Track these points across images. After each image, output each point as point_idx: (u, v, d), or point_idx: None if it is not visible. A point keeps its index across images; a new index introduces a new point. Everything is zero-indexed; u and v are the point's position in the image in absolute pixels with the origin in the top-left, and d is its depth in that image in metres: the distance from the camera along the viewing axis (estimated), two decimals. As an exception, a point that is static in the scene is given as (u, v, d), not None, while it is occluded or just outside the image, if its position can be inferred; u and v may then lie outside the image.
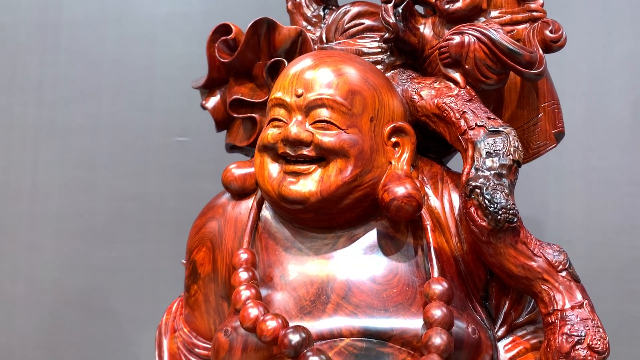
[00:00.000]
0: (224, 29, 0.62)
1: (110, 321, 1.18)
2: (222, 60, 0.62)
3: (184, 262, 0.68)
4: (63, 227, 1.34)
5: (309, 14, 0.63)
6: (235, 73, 0.64)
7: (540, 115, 0.55)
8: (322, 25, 0.61)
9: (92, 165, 1.34)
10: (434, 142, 0.56)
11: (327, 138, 0.48)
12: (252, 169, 0.54)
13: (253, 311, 0.45)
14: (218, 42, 0.61)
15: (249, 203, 0.54)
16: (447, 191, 0.52)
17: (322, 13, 0.63)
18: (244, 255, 0.50)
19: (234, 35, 0.60)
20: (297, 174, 0.48)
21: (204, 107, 0.67)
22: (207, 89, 0.67)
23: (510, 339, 0.50)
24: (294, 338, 0.42)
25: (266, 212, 0.53)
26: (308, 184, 0.48)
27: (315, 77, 0.48)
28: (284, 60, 0.59)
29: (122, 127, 1.36)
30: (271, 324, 0.44)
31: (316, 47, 0.59)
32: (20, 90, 1.27)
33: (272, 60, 0.60)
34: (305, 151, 0.48)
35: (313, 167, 0.48)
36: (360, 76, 0.49)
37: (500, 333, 0.50)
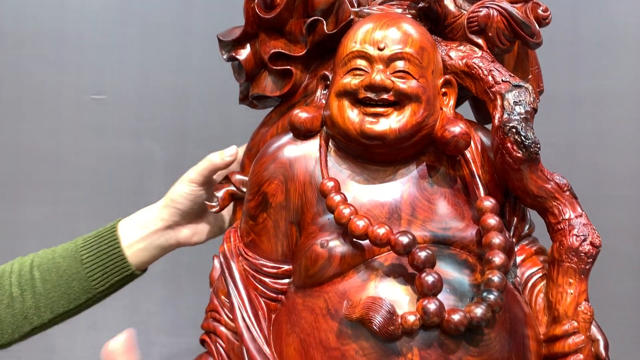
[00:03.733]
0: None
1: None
2: (262, 16, 0.69)
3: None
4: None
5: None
6: (267, 29, 0.72)
7: (529, 77, 0.71)
8: None
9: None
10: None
11: (405, 85, 0.59)
12: (315, 113, 0.63)
13: (361, 222, 0.55)
14: (256, -1, 0.68)
15: (313, 142, 0.63)
16: (471, 133, 0.65)
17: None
18: (330, 183, 0.59)
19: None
20: (377, 115, 0.59)
21: (233, 59, 0.73)
22: (239, 42, 0.73)
23: (518, 246, 0.66)
24: (404, 239, 0.53)
25: (331, 150, 0.63)
26: (387, 123, 0.58)
27: (394, 34, 0.59)
28: (323, 19, 0.68)
29: (28, 81, 1.30)
30: (381, 230, 0.54)
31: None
32: None
33: (312, 18, 0.69)
34: (385, 96, 0.58)
35: (390, 109, 0.59)
36: (425, 36, 0.61)
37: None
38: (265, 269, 0.63)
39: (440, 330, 0.52)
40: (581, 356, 0.59)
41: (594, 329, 0.61)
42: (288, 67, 0.71)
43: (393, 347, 0.52)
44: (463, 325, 0.51)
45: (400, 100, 0.59)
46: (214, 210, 0.75)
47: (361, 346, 0.53)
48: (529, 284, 0.64)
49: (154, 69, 1.27)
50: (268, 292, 0.62)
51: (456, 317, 0.51)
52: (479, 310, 0.52)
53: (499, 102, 0.63)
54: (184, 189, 0.76)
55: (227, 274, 0.63)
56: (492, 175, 0.64)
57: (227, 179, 0.75)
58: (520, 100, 0.62)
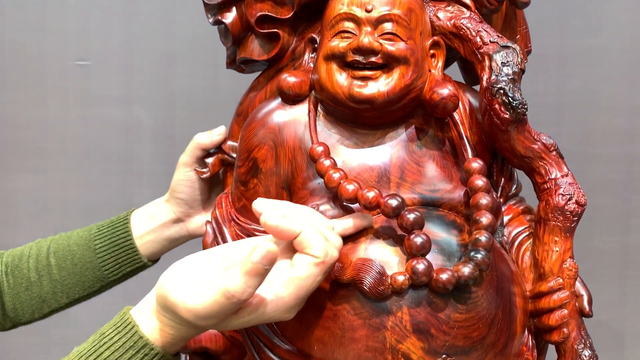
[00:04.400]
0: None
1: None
2: (248, -22, 0.68)
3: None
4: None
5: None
6: (253, -9, 0.71)
7: (517, 37, 0.71)
8: None
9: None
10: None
11: (393, 47, 0.58)
12: (304, 77, 0.63)
13: (350, 186, 0.56)
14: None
15: (302, 107, 0.63)
16: (460, 95, 0.66)
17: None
18: (319, 148, 0.59)
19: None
20: (365, 79, 0.59)
21: (219, 22, 0.72)
22: (224, 5, 0.72)
23: (505, 206, 0.67)
24: (393, 202, 0.54)
25: (320, 115, 0.63)
26: (376, 86, 0.59)
27: None
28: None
29: (12, 48, 1.29)
30: (371, 194, 0.55)
31: None
32: None
33: (300, -20, 0.68)
34: (374, 58, 0.58)
35: (379, 72, 0.59)
36: None
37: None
38: (257, 233, 0.64)
39: (429, 289, 0.53)
40: (565, 311, 0.61)
41: (578, 285, 0.63)
42: (275, 30, 0.71)
43: (383, 306, 0.53)
44: (451, 284, 0.53)
45: (388, 63, 0.59)
46: (204, 176, 0.75)
47: (353, 306, 0.54)
48: (516, 243, 0.65)
49: (140, 33, 1.25)
50: (260, 256, 0.63)
51: (444, 276, 0.53)
52: (466, 270, 0.53)
53: (486, 63, 0.63)
54: (180, 176, 0.76)
55: (220, 239, 0.63)
56: (480, 136, 0.65)
57: (218, 147, 0.75)
58: (508, 61, 0.62)
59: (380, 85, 0.58)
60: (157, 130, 1.30)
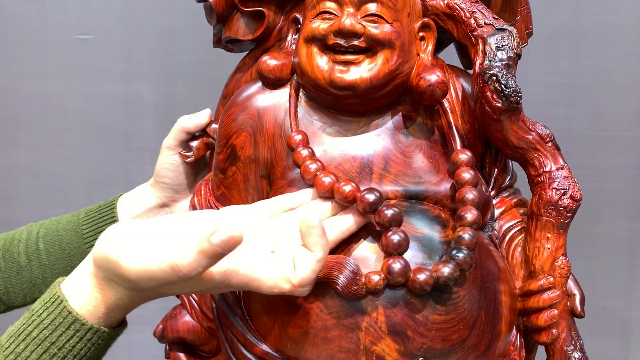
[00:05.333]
0: None
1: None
2: (231, -46, 0.65)
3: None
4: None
5: None
6: (237, -32, 0.67)
7: (517, 17, 0.67)
8: None
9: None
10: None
11: (377, 30, 0.55)
12: (286, 60, 0.60)
13: (327, 179, 0.53)
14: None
15: (284, 91, 0.60)
16: (452, 81, 0.62)
17: None
18: (298, 137, 0.56)
19: None
20: (347, 63, 0.55)
21: (203, 0, 0.69)
22: (209, -17, 0.69)
23: (498, 199, 0.63)
24: (371, 197, 0.51)
25: (302, 100, 0.60)
26: (358, 71, 0.55)
27: None
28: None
29: (15, 22, 1.27)
30: (347, 187, 0.52)
31: None
32: None
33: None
34: (356, 42, 0.55)
35: (362, 57, 0.55)
36: None
37: (491, 194, 0.63)
38: (235, 223, 0.61)
39: (407, 289, 0.51)
40: (555, 311, 0.58)
41: (571, 284, 0.60)
42: (260, 8, 0.67)
43: (358, 305, 0.51)
44: (428, 285, 0.50)
45: (372, 47, 0.56)
46: (188, 160, 0.73)
47: (326, 304, 0.51)
48: (507, 238, 0.62)
49: (141, 7, 1.23)
50: (239, 246, 0.61)
51: (421, 276, 0.50)
52: (446, 270, 0.50)
53: (480, 47, 0.59)
54: (164, 160, 0.74)
55: (196, 229, 0.61)
56: (473, 125, 0.61)
57: (203, 131, 0.73)
58: (503, 45, 0.58)
59: (362, 71, 0.55)
60: (159, 106, 1.28)
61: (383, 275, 0.50)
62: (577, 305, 0.59)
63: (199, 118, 0.72)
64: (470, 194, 0.54)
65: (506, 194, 0.64)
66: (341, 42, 0.55)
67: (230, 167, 0.61)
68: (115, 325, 0.49)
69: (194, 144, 0.73)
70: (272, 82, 0.60)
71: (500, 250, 0.62)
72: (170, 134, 0.74)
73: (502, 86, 0.56)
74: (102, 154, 1.29)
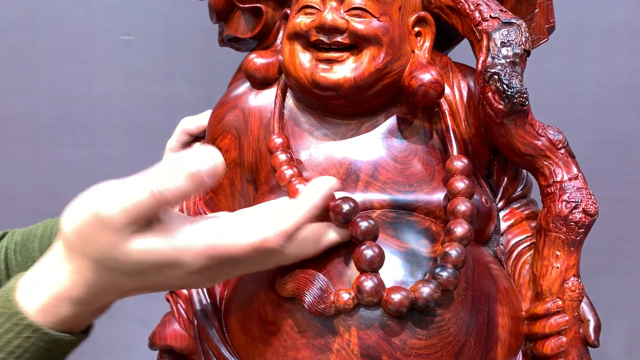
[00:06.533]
0: None
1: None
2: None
3: None
4: (5, 132, 1.29)
5: None
6: (235, -38, 0.64)
7: (536, 10, 0.60)
8: None
9: (32, 65, 1.28)
10: (439, 35, 0.60)
11: (362, 25, 0.50)
12: (273, 59, 0.56)
13: (301, 187, 0.49)
14: None
15: (271, 92, 0.57)
16: (456, 80, 0.56)
17: None
18: (278, 140, 0.53)
19: None
20: (330, 61, 0.51)
21: (202, -3, 0.67)
22: (207, -21, 0.67)
23: (507, 210, 0.57)
24: (345, 207, 0.47)
25: (289, 101, 0.56)
26: (342, 70, 0.51)
27: None
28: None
29: (62, 24, 1.30)
30: (321, 196, 0.48)
31: None
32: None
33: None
34: (339, 38, 0.51)
35: (346, 54, 0.51)
36: None
37: (499, 205, 0.57)
38: (222, 230, 0.58)
39: (383, 310, 0.46)
40: (563, 339, 0.51)
41: (585, 308, 0.53)
42: (258, 4, 0.64)
43: (329, 325, 0.47)
44: (403, 306, 0.45)
45: (357, 43, 0.51)
46: None
47: (297, 322, 0.48)
48: (514, 254, 0.56)
49: (182, 8, 1.23)
50: (225, 254, 0.58)
51: (396, 296, 0.45)
52: (425, 290, 0.45)
53: (484, 42, 0.53)
54: None
55: (182, 234, 0.59)
56: (479, 128, 0.56)
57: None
58: (509, 41, 0.52)
59: (346, 70, 0.51)
60: (199, 107, 1.28)
61: (353, 294, 0.46)
62: (591, 332, 0.52)
63: (201, 119, 0.70)
64: (462, 206, 0.49)
65: (517, 205, 0.58)
66: (323, 38, 0.51)
67: (216, 170, 0.58)
68: (79, 331, 0.43)
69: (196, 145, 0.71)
70: (259, 82, 0.56)
71: (507, 267, 0.56)
72: (173, 136, 0.73)
73: (505, 86, 0.51)
74: (144, 153, 1.30)
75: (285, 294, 0.47)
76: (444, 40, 0.62)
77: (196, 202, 0.61)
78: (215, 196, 0.59)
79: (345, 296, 0.46)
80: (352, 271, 0.48)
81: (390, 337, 0.46)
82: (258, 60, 0.56)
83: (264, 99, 0.56)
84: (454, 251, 0.47)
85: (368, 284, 0.45)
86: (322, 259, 0.48)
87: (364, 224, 0.46)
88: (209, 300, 0.55)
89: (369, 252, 0.46)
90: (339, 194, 0.48)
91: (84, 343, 0.45)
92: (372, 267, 0.46)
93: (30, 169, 1.33)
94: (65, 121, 1.34)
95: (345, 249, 0.48)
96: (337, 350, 0.46)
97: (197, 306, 0.55)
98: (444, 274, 0.46)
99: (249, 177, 0.57)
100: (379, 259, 0.46)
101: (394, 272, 0.48)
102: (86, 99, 1.33)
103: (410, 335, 0.46)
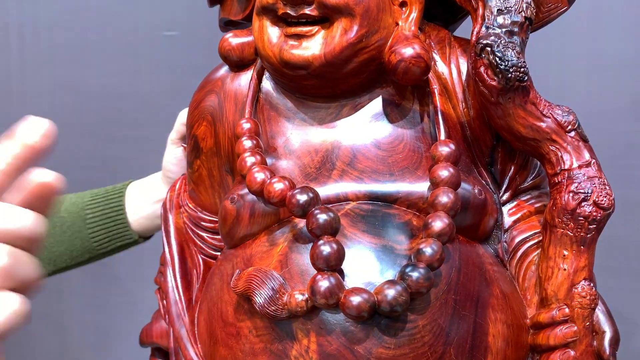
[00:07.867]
0: None
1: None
2: None
3: (186, 145, 0.67)
4: (58, 129, 1.32)
5: None
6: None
7: (552, -27, 0.52)
8: None
9: (81, 63, 1.30)
10: (442, 8, 0.54)
11: None
12: (249, 38, 0.52)
13: (259, 175, 0.44)
14: None
15: (248, 75, 0.52)
16: (454, 56, 0.50)
17: None
18: (246, 125, 0.48)
19: None
20: (299, 37, 0.46)
21: (195, -20, 0.63)
22: (198, -40, 0.63)
23: (514, 203, 0.50)
24: (302, 198, 0.42)
25: (267, 84, 0.52)
26: (311, 46, 0.46)
27: None
28: None
29: (107, 22, 1.32)
30: (278, 185, 0.43)
31: None
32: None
33: None
34: (307, 10, 0.45)
35: (316, 28, 0.46)
36: None
37: (505, 197, 0.50)
38: (203, 223, 0.55)
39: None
40: (571, 352, 0.44)
41: (601, 317, 0.45)
42: (247, -16, 0.60)
43: (287, 329, 0.42)
44: (362, 310, 0.39)
45: (327, 15, 0.46)
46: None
47: (255, 325, 0.43)
48: (519, 253, 0.49)
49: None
50: (206, 249, 0.55)
51: (355, 299, 0.40)
52: (390, 292, 0.39)
53: (480, 11, 0.47)
54: (168, 154, 0.70)
55: (162, 227, 0.56)
56: (479, 111, 0.49)
57: None
58: (506, 8, 0.45)
59: (313, 46, 0.46)
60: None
61: (307, 296, 0.41)
62: (606, 346, 0.44)
63: None
64: (444, 197, 0.42)
65: (526, 197, 0.51)
66: (290, 11, 0.46)
67: (195, 160, 0.55)
68: None
69: None
70: (235, 64, 0.52)
71: (510, 268, 0.49)
72: (174, 128, 0.70)
73: (497, 59, 0.44)
74: (187, 147, 1.31)
75: (238, 292, 0.42)
76: (449, 15, 0.56)
77: (180, 193, 0.58)
78: (196, 187, 0.56)
79: (299, 297, 0.41)
80: (313, 270, 0.43)
81: (353, 345, 0.40)
82: (233, 40, 0.52)
83: (239, 83, 0.52)
84: (428, 249, 0.41)
85: (323, 284, 0.40)
86: (285, 255, 0.44)
87: (322, 217, 0.41)
88: (182, 297, 0.52)
89: (325, 249, 0.41)
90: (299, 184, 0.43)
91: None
92: (329, 265, 0.40)
93: (83, 165, 1.36)
94: (113, 116, 1.36)
95: (307, 247, 0.43)
96: (295, 357, 0.41)
97: (172, 303, 0.52)
98: (414, 274, 0.40)
99: (227, 167, 0.53)
100: (337, 257, 0.40)
101: (362, 271, 0.42)
102: (132, 95, 1.34)
103: (376, 344, 0.40)
